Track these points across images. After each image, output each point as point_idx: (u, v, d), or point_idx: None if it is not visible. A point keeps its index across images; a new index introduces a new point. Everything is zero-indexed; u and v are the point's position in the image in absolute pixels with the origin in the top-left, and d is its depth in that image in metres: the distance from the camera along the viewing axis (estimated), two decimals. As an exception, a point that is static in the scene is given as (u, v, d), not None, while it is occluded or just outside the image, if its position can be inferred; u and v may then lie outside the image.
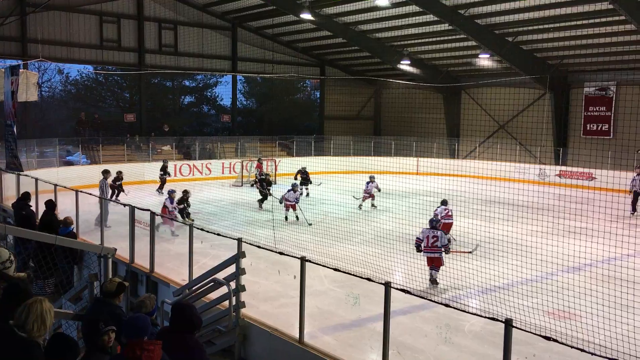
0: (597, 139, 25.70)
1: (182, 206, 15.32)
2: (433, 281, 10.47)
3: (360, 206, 18.82)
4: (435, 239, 10.54)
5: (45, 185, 13.76)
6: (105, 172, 16.30)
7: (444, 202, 14.02)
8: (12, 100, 14.63)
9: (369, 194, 18.88)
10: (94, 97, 31.17)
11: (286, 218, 16.47)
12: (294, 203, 16.51)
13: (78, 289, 7.78)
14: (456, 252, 11.53)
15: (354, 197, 19.03)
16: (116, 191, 18.94)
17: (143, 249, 10.00)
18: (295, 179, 21.58)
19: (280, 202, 16.66)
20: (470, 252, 11.54)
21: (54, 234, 8.22)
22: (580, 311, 8.35)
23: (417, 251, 10.90)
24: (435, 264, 10.55)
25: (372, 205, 18.96)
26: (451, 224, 13.82)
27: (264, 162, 24.61)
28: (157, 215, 10.16)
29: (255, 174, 24.06)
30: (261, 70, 31.64)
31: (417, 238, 10.95)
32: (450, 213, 13.81)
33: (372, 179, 19.04)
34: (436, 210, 13.74)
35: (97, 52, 26.69)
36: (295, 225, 15.73)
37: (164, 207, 14.72)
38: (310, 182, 21.77)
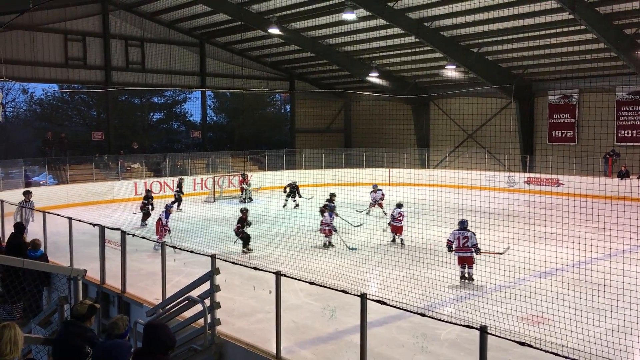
0: (563, 145, 26.31)
1: (239, 226, 13.92)
2: (469, 278, 11.08)
3: (368, 212, 19.56)
4: (466, 239, 11.22)
5: (11, 207, 13.43)
6: (26, 194, 15.40)
7: (399, 205, 14.84)
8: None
9: (375, 202, 19.49)
10: (60, 116, 30.65)
11: (325, 245, 14.69)
12: (329, 229, 14.63)
13: (47, 313, 7.59)
14: (487, 253, 11.70)
15: (357, 210, 19.43)
16: (147, 211, 18.12)
17: (114, 269, 9.80)
18: (284, 191, 22.16)
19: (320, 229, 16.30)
20: (501, 254, 11.65)
21: (22, 257, 8.01)
22: (552, 315, 8.49)
23: (449, 251, 11.58)
24: (467, 262, 11.19)
25: (379, 213, 19.39)
26: (399, 227, 14.56)
27: (246, 175, 24.62)
28: (141, 237, 9.98)
29: (244, 187, 23.99)
30: (230, 85, 31.59)
31: (448, 240, 11.62)
32: (400, 217, 14.55)
33: (375, 189, 19.69)
34: (393, 211, 14.68)
35: (62, 70, 26.31)
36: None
37: (159, 220, 14.45)
38: (300, 196, 21.93)
